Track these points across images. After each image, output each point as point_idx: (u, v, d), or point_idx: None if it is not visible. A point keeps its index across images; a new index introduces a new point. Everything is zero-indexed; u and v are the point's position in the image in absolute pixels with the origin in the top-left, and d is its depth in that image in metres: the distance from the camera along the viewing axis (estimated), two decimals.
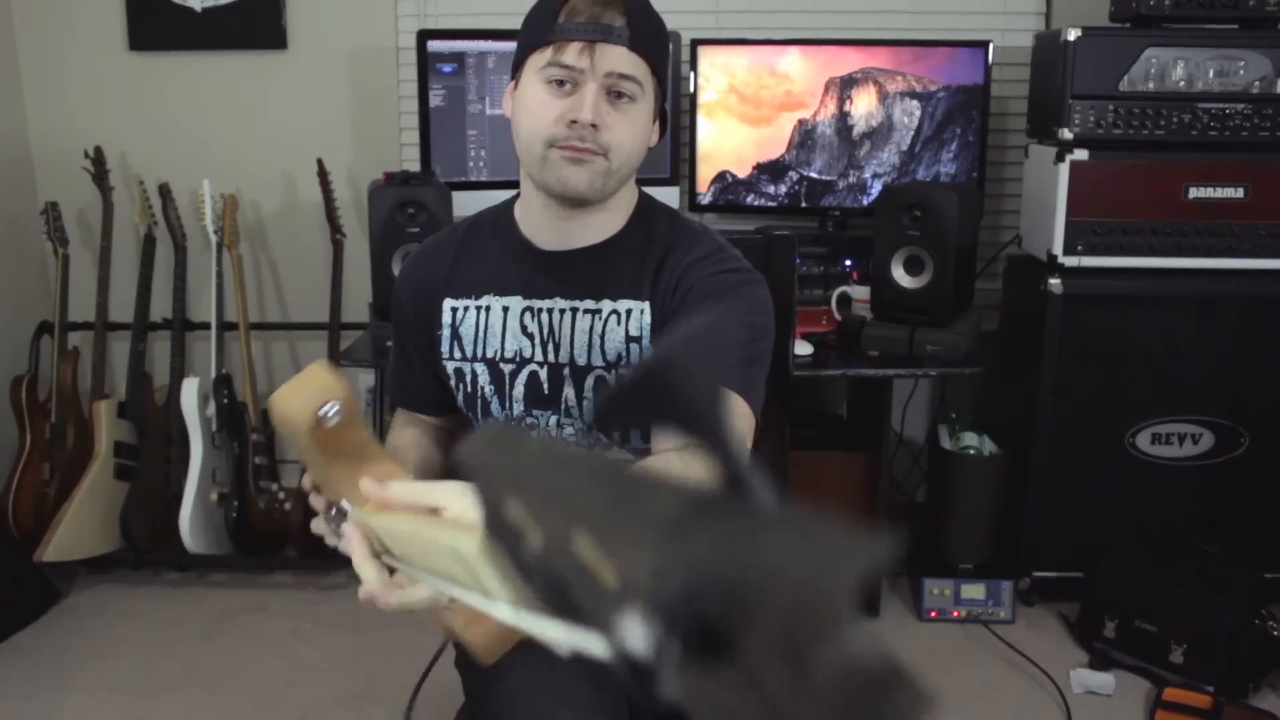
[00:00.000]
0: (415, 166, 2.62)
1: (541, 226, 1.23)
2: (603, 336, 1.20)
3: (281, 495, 2.74)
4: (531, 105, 1.14)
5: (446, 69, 2.49)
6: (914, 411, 2.88)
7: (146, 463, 2.66)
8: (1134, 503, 2.41)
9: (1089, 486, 2.41)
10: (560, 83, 1.12)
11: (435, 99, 2.49)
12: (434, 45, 2.47)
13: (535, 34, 1.14)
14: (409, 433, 1.32)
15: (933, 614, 2.46)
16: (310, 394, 0.84)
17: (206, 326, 2.70)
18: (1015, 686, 2.22)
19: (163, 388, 2.74)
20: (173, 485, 2.64)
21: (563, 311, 1.22)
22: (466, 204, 2.36)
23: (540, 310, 1.22)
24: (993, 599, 2.44)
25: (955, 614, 2.46)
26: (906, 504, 2.85)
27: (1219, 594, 2.18)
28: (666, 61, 1.20)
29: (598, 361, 1.21)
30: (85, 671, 2.29)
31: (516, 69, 1.18)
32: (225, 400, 2.67)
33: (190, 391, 2.63)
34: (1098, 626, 2.27)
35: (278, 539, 2.73)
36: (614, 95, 1.12)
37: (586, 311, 1.21)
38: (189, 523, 2.58)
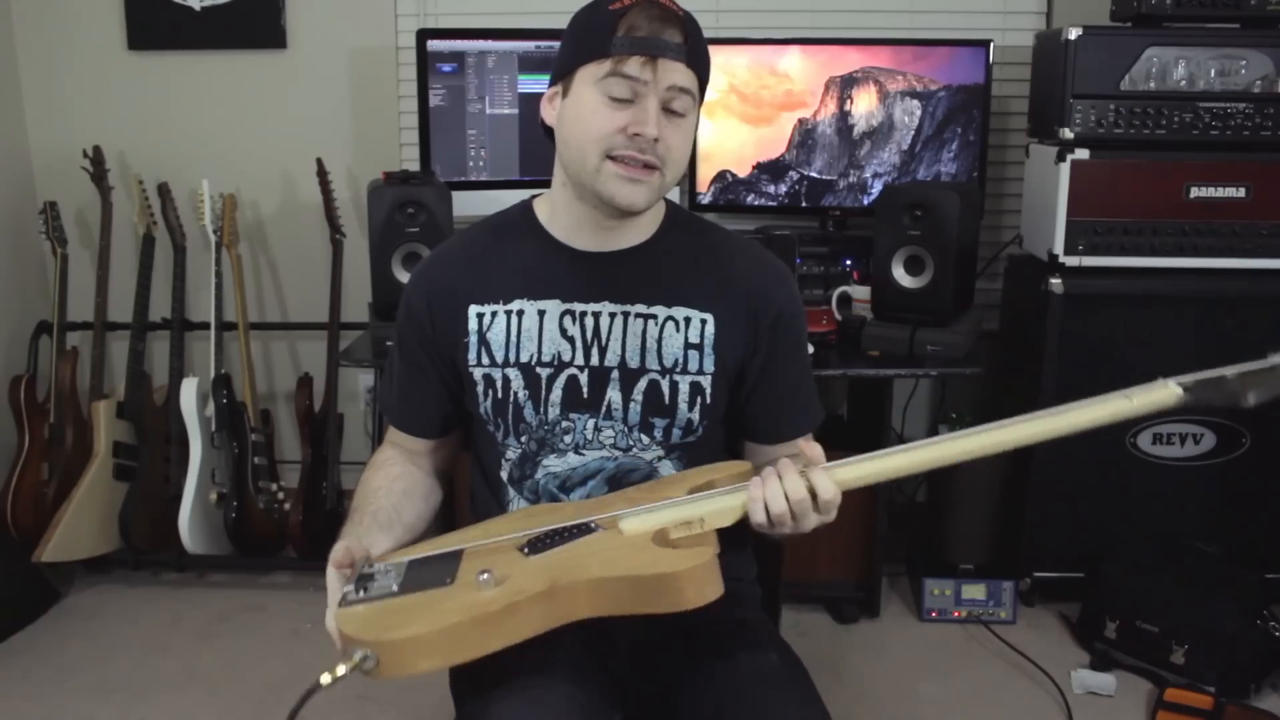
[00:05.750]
0: (415, 166, 2.62)
1: (581, 230, 1.24)
2: (660, 341, 1.23)
3: (281, 495, 2.74)
4: (586, 115, 1.14)
5: (446, 68, 2.49)
6: (914, 411, 2.88)
7: (145, 463, 2.66)
8: (1135, 503, 2.40)
9: (1090, 486, 2.41)
10: (619, 95, 1.13)
11: (435, 99, 2.49)
12: (434, 45, 2.47)
13: (592, 46, 1.13)
14: (393, 471, 1.31)
15: (933, 614, 2.46)
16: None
17: (206, 326, 2.70)
18: (1016, 687, 2.22)
19: (162, 387, 2.73)
20: (172, 485, 2.64)
21: (612, 315, 1.23)
22: (466, 204, 2.36)
23: (583, 314, 1.23)
24: (993, 599, 2.44)
25: (956, 614, 2.45)
26: (906, 504, 2.84)
27: (1220, 594, 2.18)
28: (709, 81, 1.22)
29: (652, 365, 1.23)
30: (84, 671, 2.29)
31: (561, 77, 1.18)
32: (224, 400, 2.67)
33: (189, 391, 2.63)
34: (1099, 627, 2.27)
35: (277, 539, 2.73)
36: (668, 110, 1.14)
37: (639, 316, 1.23)
38: (188, 523, 2.58)
